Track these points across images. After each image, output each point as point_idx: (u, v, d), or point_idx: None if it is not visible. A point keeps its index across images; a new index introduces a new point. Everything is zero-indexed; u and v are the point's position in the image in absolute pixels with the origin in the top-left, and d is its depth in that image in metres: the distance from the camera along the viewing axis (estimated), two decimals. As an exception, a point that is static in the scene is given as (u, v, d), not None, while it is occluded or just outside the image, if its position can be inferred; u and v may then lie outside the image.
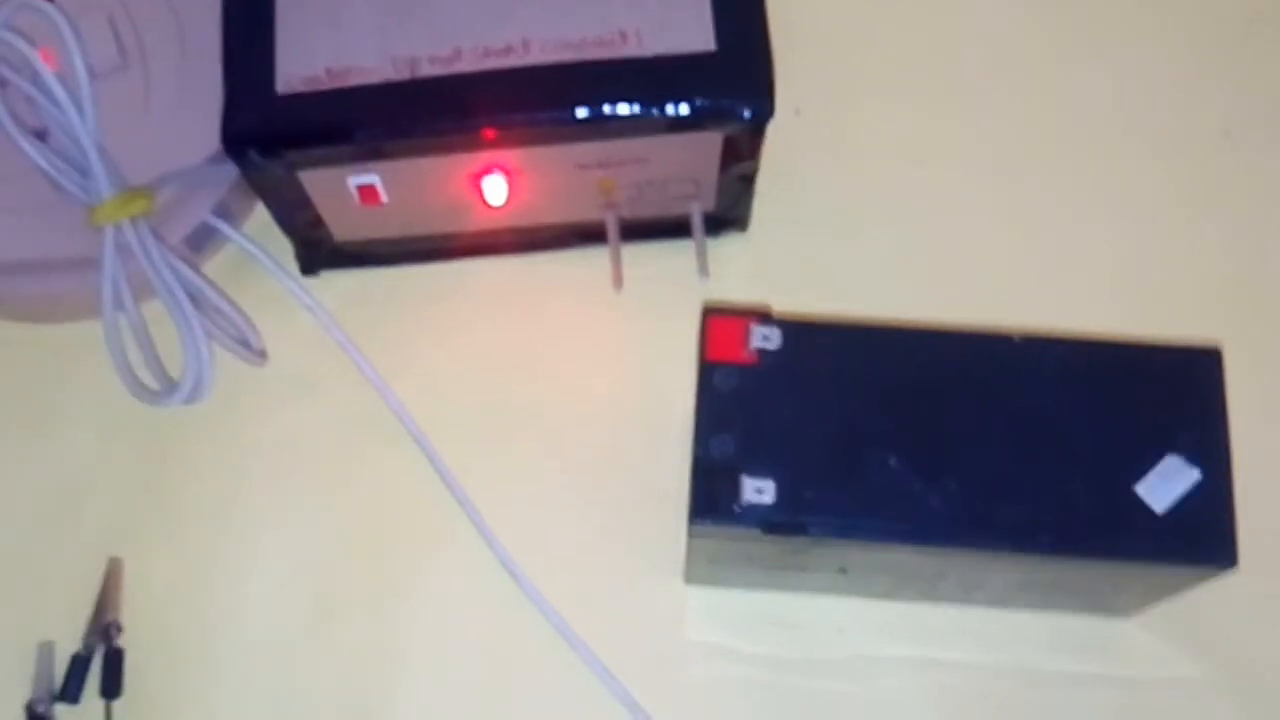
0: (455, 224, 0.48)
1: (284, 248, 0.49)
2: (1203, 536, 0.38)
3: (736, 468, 0.38)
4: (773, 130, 0.43)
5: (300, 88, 0.42)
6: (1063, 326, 0.41)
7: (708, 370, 0.39)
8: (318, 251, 0.49)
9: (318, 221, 0.47)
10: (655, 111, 0.41)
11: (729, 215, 0.49)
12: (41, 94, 0.45)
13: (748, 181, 0.47)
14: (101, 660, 0.45)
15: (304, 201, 0.45)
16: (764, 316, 0.40)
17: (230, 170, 0.45)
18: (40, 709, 0.44)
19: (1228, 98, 0.53)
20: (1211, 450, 0.38)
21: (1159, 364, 0.39)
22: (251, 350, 0.48)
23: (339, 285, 0.50)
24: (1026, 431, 0.39)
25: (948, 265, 0.50)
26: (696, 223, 0.48)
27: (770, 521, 0.38)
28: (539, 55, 0.42)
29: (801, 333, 0.39)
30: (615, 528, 0.47)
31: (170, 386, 0.46)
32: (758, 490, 0.38)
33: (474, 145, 0.43)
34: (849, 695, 0.45)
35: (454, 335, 0.49)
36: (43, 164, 0.46)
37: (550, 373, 0.49)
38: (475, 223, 0.48)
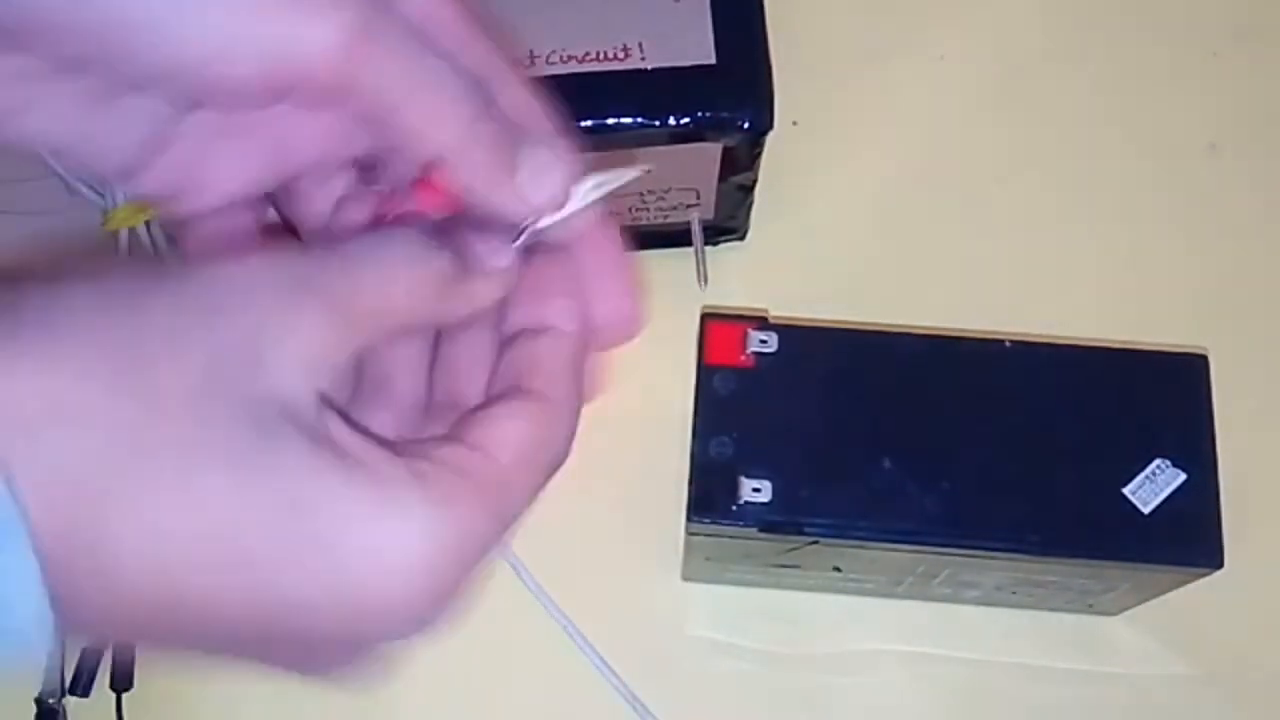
0: (461, 231, 0.48)
1: (293, 253, 0.50)
2: (1190, 538, 0.38)
3: (734, 468, 0.38)
4: (771, 141, 0.43)
5: (312, 97, 0.42)
6: (1053, 332, 0.42)
7: (706, 373, 0.39)
8: (326, 257, 0.49)
9: (327, 228, 0.47)
10: (657, 123, 0.42)
11: (728, 224, 0.50)
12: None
13: (746, 191, 0.47)
14: (112, 654, 0.45)
15: (314, 208, 0.46)
16: (761, 321, 0.40)
17: (242, 177, 0.46)
18: (51, 702, 0.44)
19: (1214, 112, 0.53)
20: (1198, 454, 0.38)
21: (1147, 369, 0.40)
22: (261, 353, 0.48)
23: (347, 290, 0.50)
24: (1018, 434, 0.39)
25: (941, 273, 0.50)
26: (696, 231, 0.48)
27: (766, 521, 0.38)
28: (545, 68, 0.42)
29: (798, 337, 0.40)
30: (616, 527, 0.47)
31: (181, 388, 0.47)
32: (755, 490, 0.38)
33: (481, 154, 0.44)
34: (844, 689, 0.45)
35: (459, 339, 0.50)
36: (59, 170, 0.46)
37: (553, 376, 0.49)
38: (481, 230, 0.48)
